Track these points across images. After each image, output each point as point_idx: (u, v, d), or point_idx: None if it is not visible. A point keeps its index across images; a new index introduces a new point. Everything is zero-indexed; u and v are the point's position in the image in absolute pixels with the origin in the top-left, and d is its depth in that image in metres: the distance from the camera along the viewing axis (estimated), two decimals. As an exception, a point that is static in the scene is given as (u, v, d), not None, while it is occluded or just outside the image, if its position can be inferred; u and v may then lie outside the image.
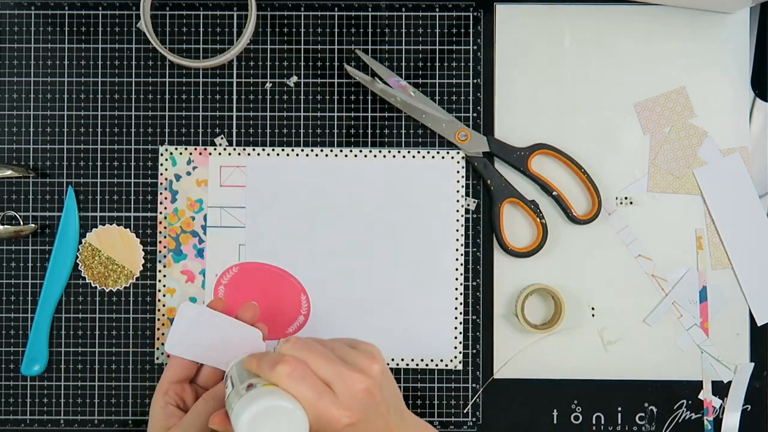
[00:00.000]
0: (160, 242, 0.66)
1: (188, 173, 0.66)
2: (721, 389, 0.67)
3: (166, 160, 0.66)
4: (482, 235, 0.67)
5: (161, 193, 0.66)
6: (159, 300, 0.66)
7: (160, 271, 0.66)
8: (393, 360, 0.66)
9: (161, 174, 0.66)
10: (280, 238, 0.66)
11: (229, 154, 0.66)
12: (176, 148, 0.66)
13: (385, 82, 0.66)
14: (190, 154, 0.66)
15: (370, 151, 0.67)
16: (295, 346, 0.49)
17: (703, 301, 0.66)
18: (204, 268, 0.66)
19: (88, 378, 0.66)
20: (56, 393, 0.66)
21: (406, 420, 0.53)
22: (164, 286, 0.66)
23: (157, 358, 0.66)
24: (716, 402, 0.66)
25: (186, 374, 0.57)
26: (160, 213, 0.66)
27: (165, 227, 0.66)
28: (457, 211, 0.66)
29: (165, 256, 0.66)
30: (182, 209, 0.66)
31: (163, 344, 0.65)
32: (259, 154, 0.66)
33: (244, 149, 0.66)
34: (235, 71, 0.67)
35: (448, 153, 0.67)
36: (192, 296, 0.66)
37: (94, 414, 0.66)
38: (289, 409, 0.46)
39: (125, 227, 0.66)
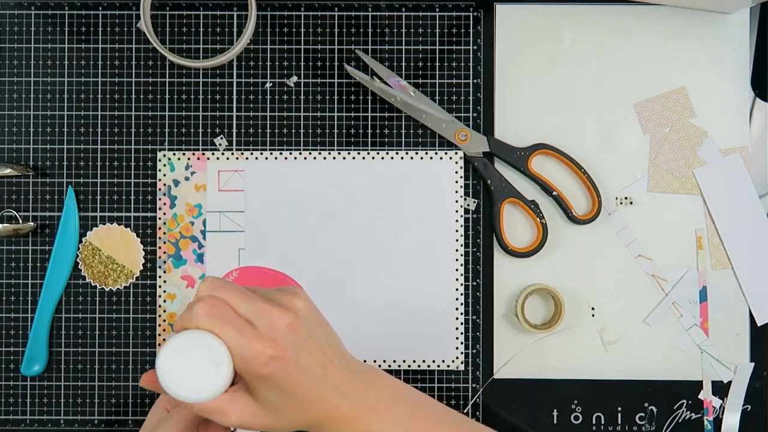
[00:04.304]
0: (159, 248, 0.66)
1: (186, 178, 0.66)
2: (721, 389, 0.67)
3: (165, 165, 0.66)
4: (482, 235, 0.67)
5: (160, 199, 0.66)
6: (160, 306, 0.66)
7: (160, 276, 0.66)
8: (395, 361, 0.66)
9: (159, 180, 0.66)
10: (280, 241, 0.66)
11: (227, 158, 0.66)
12: (174, 154, 0.66)
13: (385, 82, 0.66)
14: (188, 159, 0.66)
15: (368, 153, 0.66)
16: (212, 285, 0.45)
17: (703, 301, 0.66)
18: (204, 273, 0.66)
19: (88, 378, 0.66)
20: (56, 393, 0.66)
21: (348, 361, 0.49)
22: (164, 291, 0.66)
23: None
24: (716, 402, 0.66)
25: None
26: (160, 219, 0.66)
27: (164, 233, 0.66)
28: (457, 211, 0.66)
29: (165, 262, 0.66)
30: (181, 214, 0.66)
31: None
32: (257, 158, 0.66)
33: (242, 153, 0.66)
34: (235, 71, 0.67)
35: (447, 153, 0.66)
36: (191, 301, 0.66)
37: (94, 414, 0.66)
38: (206, 343, 0.43)
39: (125, 227, 0.66)
